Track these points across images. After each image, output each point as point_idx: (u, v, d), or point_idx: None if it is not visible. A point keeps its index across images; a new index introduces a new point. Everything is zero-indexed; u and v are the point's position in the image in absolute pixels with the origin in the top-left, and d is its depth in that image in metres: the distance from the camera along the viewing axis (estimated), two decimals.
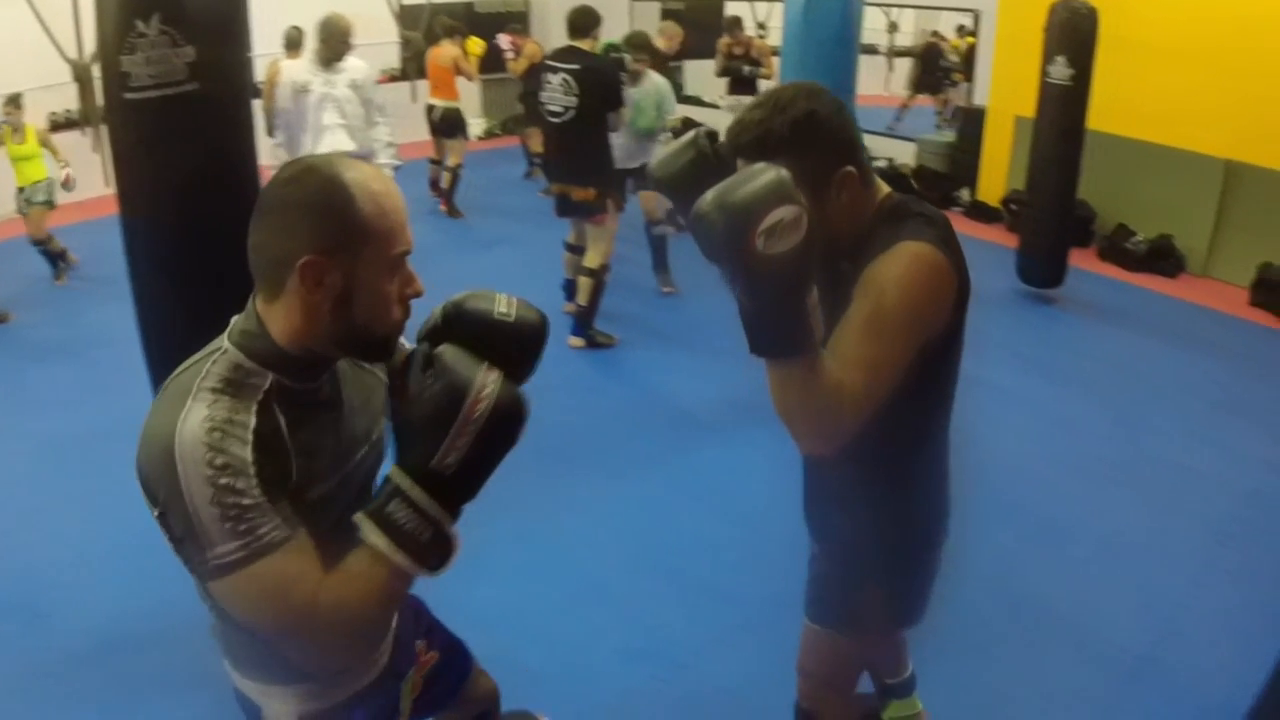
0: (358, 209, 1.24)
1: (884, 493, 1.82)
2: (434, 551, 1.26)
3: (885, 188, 1.72)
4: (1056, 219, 6.02)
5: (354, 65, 5.05)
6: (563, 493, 3.88)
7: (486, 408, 1.24)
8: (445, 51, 8.12)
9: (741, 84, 8.11)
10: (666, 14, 10.31)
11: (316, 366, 1.35)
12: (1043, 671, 2.98)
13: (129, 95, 2.14)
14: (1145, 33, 6.59)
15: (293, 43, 6.83)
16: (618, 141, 5.63)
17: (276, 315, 1.29)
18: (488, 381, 1.25)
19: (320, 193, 1.23)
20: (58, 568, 3.41)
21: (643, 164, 5.89)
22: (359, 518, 1.25)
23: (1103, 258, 7.18)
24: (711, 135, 1.71)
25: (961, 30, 12.24)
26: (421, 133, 8.43)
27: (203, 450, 1.18)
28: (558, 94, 5.09)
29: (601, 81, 5.12)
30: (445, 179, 8.10)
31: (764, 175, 1.36)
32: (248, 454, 1.20)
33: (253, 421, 1.24)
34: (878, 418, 1.55)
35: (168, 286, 2.36)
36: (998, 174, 8.01)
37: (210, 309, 2.31)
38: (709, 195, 1.36)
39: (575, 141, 5.17)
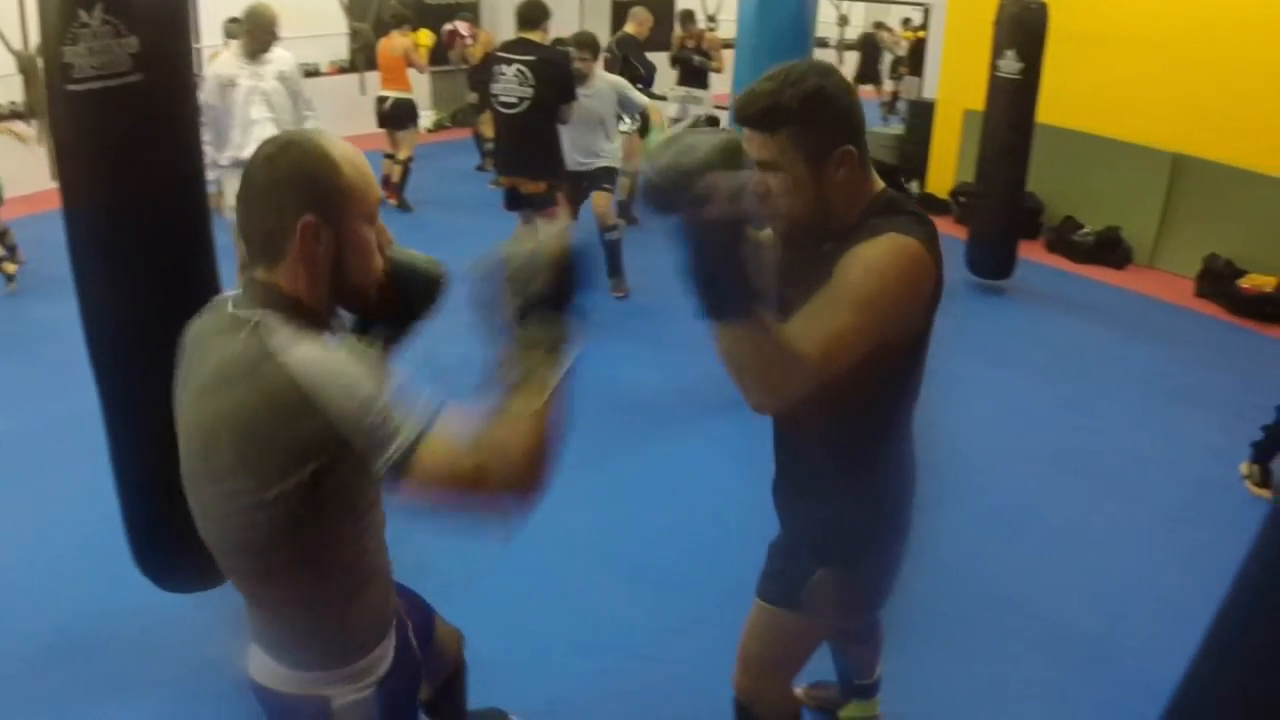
0: (341, 171, 1.36)
1: (854, 479, 1.84)
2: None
3: (881, 183, 1.73)
4: (1006, 211, 6.08)
5: (280, 56, 4.87)
6: None
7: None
8: (396, 42, 8.06)
9: (691, 75, 8.12)
10: (618, 7, 10.32)
11: (322, 324, 1.43)
12: (996, 657, 3.00)
13: (71, 87, 2.08)
14: (1093, 27, 6.67)
15: (233, 34, 6.71)
16: (572, 143, 5.63)
17: (282, 281, 1.38)
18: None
19: (308, 161, 1.35)
20: (3, 570, 3.31)
21: (601, 166, 5.88)
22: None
23: (1050, 249, 7.26)
24: (712, 120, 1.75)
25: (907, 23, 12.40)
26: (372, 125, 8.33)
27: (338, 365, 1.29)
28: (512, 85, 5.04)
29: (557, 73, 5.09)
30: (396, 172, 8.02)
31: (714, 140, 1.40)
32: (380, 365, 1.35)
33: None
34: (852, 407, 1.62)
35: (110, 279, 2.31)
36: (946, 166, 8.08)
37: (152, 301, 2.28)
38: (663, 157, 1.40)
39: (528, 134, 5.14)
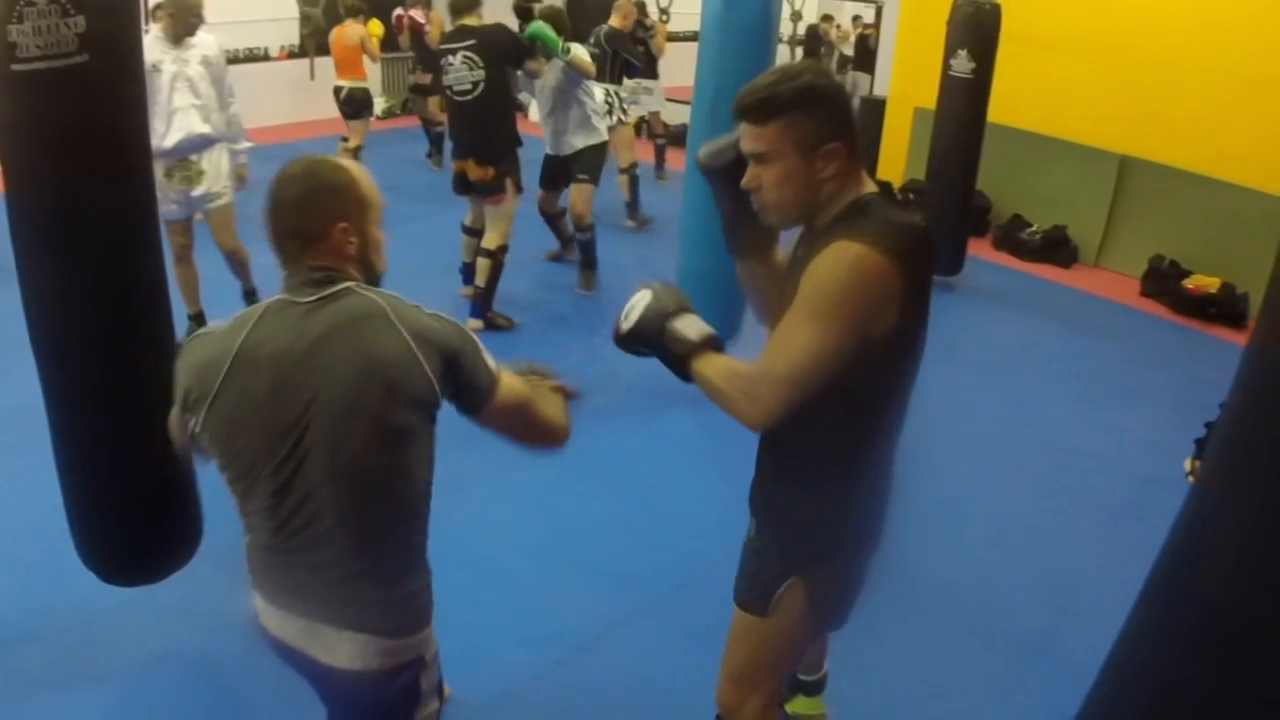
0: (360, 184, 1.67)
1: (832, 477, 1.85)
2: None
3: (871, 187, 1.77)
4: (956, 208, 6.14)
5: (204, 41, 4.57)
6: (460, 478, 3.80)
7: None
8: (351, 31, 8.01)
9: (644, 66, 8.06)
10: None
11: None
12: (943, 652, 3.02)
13: (16, 67, 2.02)
14: (1043, 28, 6.75)
15: (157, 18, 6.53)
16: (550, 128, 5.58)
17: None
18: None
19: (335, 177, 1.65)
20: None
21: (577, 150, 5.79)
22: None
23: (998, 247, 7.34)
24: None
25: (856, 20, 12.50)
26: (323, 111, 8.24)
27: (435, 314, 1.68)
28: (463, 72, 4.99)
29: (500, 46, 5.02)
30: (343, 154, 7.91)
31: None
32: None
33: None
34: (829, 407, 1.68)
35: (52, 266, 2.25)
36: (896, 163, 8.14)
37: (95, 289, 2.24)
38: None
39: (480, 118, 5.08)
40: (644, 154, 8.05)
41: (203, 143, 4.48)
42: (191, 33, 4.52)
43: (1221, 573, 1.17)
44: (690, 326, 1.81)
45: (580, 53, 5.61)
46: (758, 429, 1.77)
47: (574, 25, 6.04)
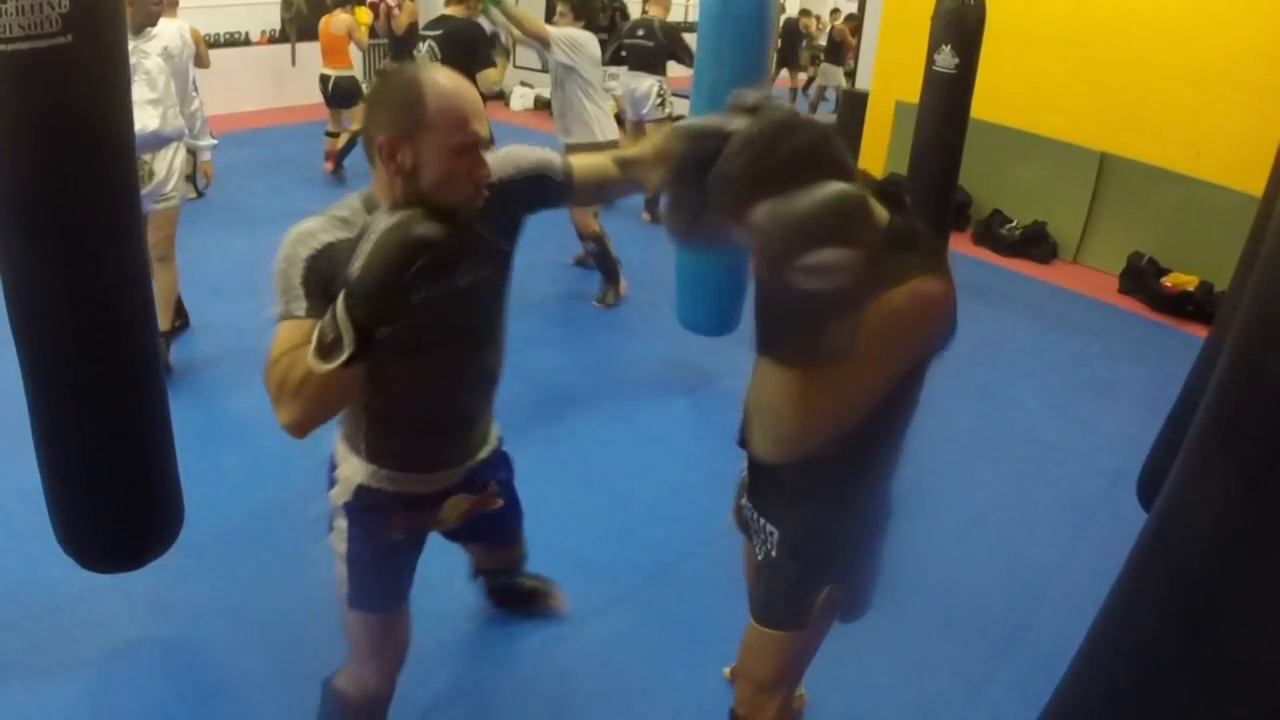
0: (425, 103, 1.63)
1: (857, 486, 1.84)
2: (330, 350, 1.53)
3: (884, 214, 1.58)
4: (938, 203, 6.16)
5: (167, 31, 4.18)
6: None
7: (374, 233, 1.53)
8: (340, 20, 8.05)
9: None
10: None
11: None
12: (914, 643, 3.04)
13: None
14: (1026, 25, 6.78)
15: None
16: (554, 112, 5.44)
17: (376, 183, 1.74)
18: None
19: (398, 89, 1.67)
20: None
21: (571, 145, 5.41)
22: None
23: (977, 242, 7.38)
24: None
25: (835, 14, 12.54)
26: (304, 97, 8.22)
27: (289, 243, 1.70)
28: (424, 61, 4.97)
29: (458, 45, 4.93)
30: (343, 138, 8.02)
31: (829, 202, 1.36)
32: (304, 255, 1.68)
33: (325, 240, 1.70)
34: (864, 426, 1.62)
35: (33, 251, 2.22)
36: (877, 157, 8.15)
37: (77, 275, 2.22)
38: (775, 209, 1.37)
39: None
40: None
41: (156, 141, 4.08)
42: (152, 22, 4.11)
43: (1196, 537, 1.20)
44: None
45: (504, 11, 5.17)
46: (780, 461, 1.70)
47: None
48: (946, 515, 3.74)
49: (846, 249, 1.33)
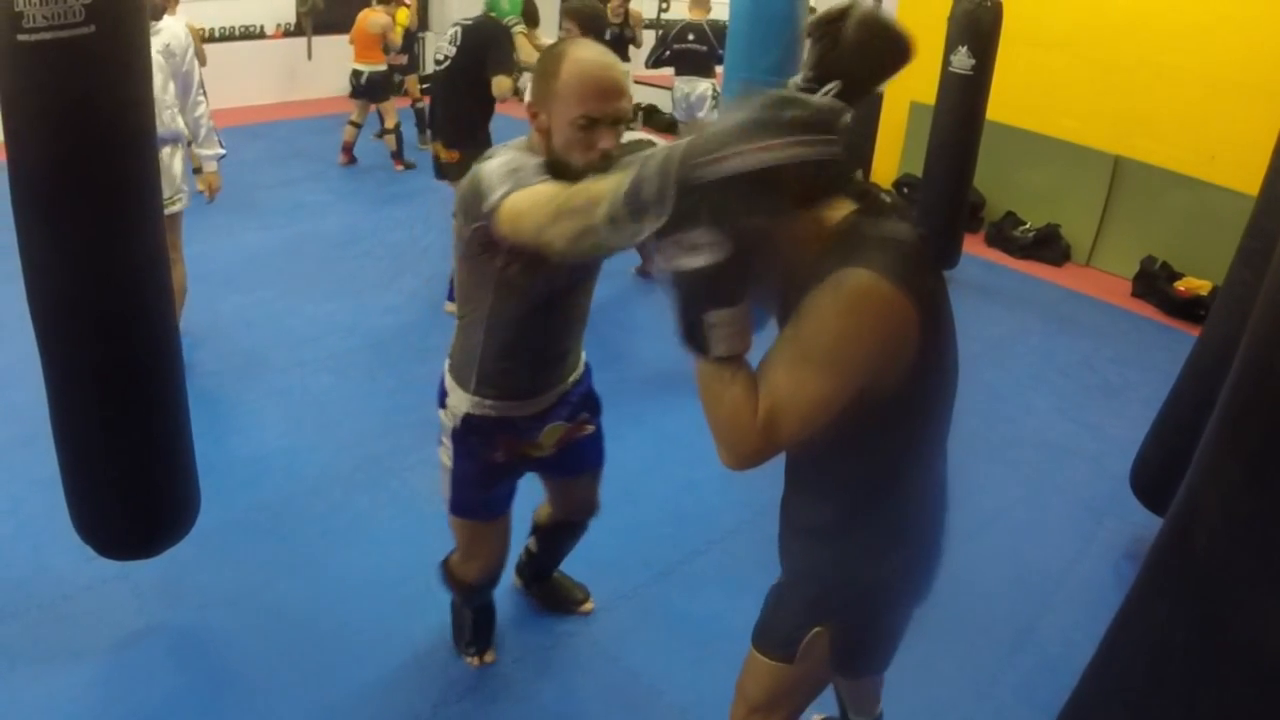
0: (560, 76, 1.84)
1: (856, 527, 1.71)
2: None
3: (846, 207, 1.55)
4: (952, 204, 6.15)
5: (170, 29, 3.98)
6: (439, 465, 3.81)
7: None
8: (377, 18, 8.11)
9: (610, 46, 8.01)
10: None
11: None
12: (921, 645, 3.03)
13: (21, 37, 2.01)
14: (1041, 27, 6.76)
15: None
16: None
17: (531, 136, 1.98)
18: None
19: (546, 60, 1.89)
20: None
21: None
22: None
23: (990, 243, 7.36)
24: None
25: None
26: (319, 90, 8.26)
27: (498, 165, 1.84)
28: (444, 44, 4.99)
29: (481, 41, 4.92)
30: (389, 140, 8.30)
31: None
32: (534, 162, 1.86)
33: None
34: (843, 450, 1.54)
35: (54, 238, 2.24)
36: (891, 157, 8.14)
37: (96, 262, 2.23)
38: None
39: (445, 97, 5.07)
40: None
41: None
42: (156, 17, 3.91)
43: (1208, 527, 1.21)
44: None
45: (518, 25, 5.13)
46: (740, 469, 1.48)
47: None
48: (954, 517, 3.70)
49: (723, 231, 1.29)
